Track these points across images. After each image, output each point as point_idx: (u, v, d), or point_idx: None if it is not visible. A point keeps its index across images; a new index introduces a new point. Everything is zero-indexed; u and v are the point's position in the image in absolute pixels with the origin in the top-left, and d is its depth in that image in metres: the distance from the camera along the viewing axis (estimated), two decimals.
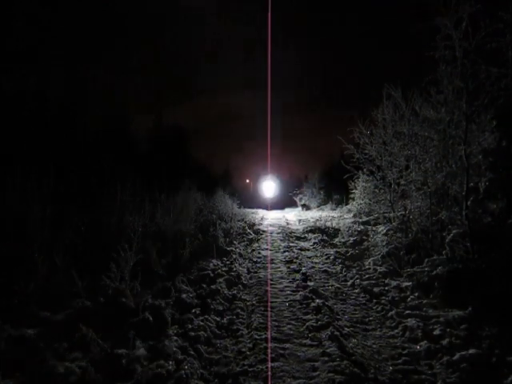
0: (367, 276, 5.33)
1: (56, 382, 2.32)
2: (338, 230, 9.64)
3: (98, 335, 2.93)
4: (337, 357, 2.88)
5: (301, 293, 4.54)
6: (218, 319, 3.68)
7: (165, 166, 18.50)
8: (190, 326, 3.35)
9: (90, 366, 2.46)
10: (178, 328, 3.32)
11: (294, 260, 6.53)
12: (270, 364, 2.82)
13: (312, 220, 12.93)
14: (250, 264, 6.29)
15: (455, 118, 4.87)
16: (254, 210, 17.32)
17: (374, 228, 7.47)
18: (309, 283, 4.93)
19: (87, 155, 13.24)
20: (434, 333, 3.28)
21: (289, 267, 6.05)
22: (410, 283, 4.55)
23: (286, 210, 20.30)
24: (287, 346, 3.15)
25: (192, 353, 2.89)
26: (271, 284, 5.08)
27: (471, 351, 2.86)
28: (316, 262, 6.55)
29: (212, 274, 5.04)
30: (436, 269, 4.40)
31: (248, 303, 4.28)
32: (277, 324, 3.63)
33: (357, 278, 5.22)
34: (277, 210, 19.88)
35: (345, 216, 10.60)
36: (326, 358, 2.88)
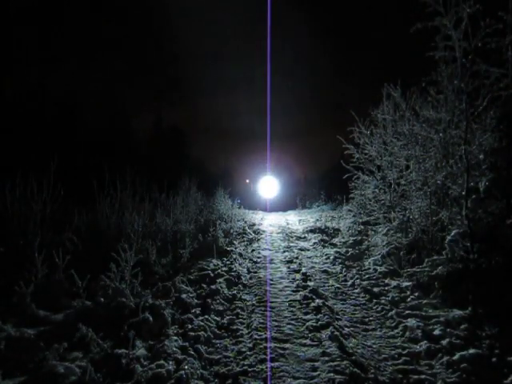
0: (367, 276, 5.33)
1: (56, 382, 2.33)
2: (338, 229, 9.63)
3: (98, 335, 2.93)
4: (337, 357, 2.88)
5: (301, 293, 4.54)
6: (218, 319, 3.68)
7: (165, 165, 18.52)
8: (189, 326, 3.35)
9: (89, 366, 2.46)
10: (177, 328, 3.33)
11: (294, 260, 6.53)
12: (269, 364, 2.82)
13: (312, 220, 12.93)
14: (250, 264, 6.29)
15: (455, 118, 4.88)
16: (254, 211, 17.31)
17: (373, 228, 7.47)
18: (309, 283, 4.93)
19: (87, 155, 13.26)
20: (434, 333, 3.29)
21: (289, 267, 6.05)
22: (410, 283, 4.55)
23: (287, 211, 20.11)
24: (287, 345, 3.15)
25: (192, 353, 2.89)
26: (271, 284, 5.08)
27: (471, 351, 2.86)
28: (316, 262, 6.55)
29: (212, 274, 5.04)
30: (436, 269, 4.40)
31: (248, 303, 4.28)
32: (277, 324, 3.63)
33: (357, 278, 5.22)
34: (277, 211, 19.77)
35: (345, 216, 10.60)
36: (326, 358, 2.88)
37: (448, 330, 3.28)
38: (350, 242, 7.73)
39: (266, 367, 2.77)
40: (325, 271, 5.89)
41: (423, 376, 2.67)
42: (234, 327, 3.55)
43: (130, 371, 2.53)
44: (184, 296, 3.97)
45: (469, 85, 4.43)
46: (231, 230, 8.75)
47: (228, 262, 5.97)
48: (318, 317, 3.70)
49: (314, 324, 3.55)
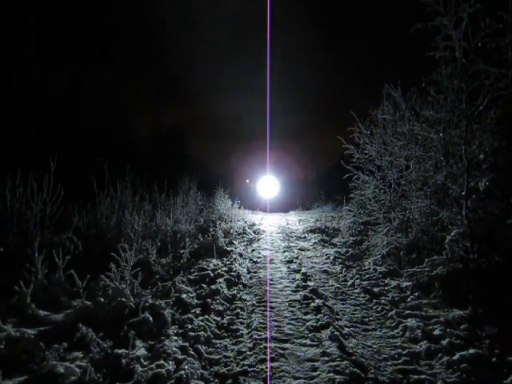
0: (367, 276, 5.33)
1: (56, 382, 2.33)
2: (338, 230, 9.64)
3: (98, 335, 2.94)
4: (337, 357, 2.88)
5: (301, 293, 4.54)
6: (217, 319, 3.68)
7: (165, 165, 18.52)
8: (189, 326, 3.35)
9: (90, 366, 2.46)
10: (177, 328, 3.33)
11: (294, 260, 6.53)
12: (269, 364, 2.82)
13: (312, 220, 12.93)
14: (249, 264, 6.29)
15: (455, 118, 4.87)
16: (253, 211, 17.31)
17: (374, 228, 7.47)
18: (309, 283, 4.93)
19: (87, 155, 13.25)
20: (434, 333, 3.29)
21: (289, 267, 6.05)
22: (410, 283, 4.56)
23: (288, 211, 19.93)
24: (287, 345, 3.15)
25: (192, 353, 2.89)
26: (271, 284, 5.08)
27: (471, 351, 2.86)
28: (316, 262, 6.55)
29: (212, 274, 5.04)
30: (436, 269, 4.40)
31: (248, 303, 4.28)
32: (277, 324, 3.63)
33: (357, 278, 5.22)
34: (277, 212, 19.67)
35: (345, 216, 10.60)
36: (326, 358, 2.88)
37: (448, 330, 3.28)
38: (350, 242, 7.74)
39: (266, 367, 2.77)
40: (325, 271, 5.89)
41: (423, 376, 2.67)
42: (234, 327, 3.55)
43: (129, 371, 2.53)
44: (184, 296, 3.97)
45: (469, 85, 4.43)
46: (231, 230, 8.75)
47: (228, 262, 5.96)
48: (318, 317, 3.70)
49: (314, 324, 3.55)
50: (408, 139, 6.42)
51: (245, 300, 4.39)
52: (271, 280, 5.28)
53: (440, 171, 5.27)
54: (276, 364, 2.82)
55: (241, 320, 3.75)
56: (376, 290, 4.65)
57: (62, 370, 2.39)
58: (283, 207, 21.44)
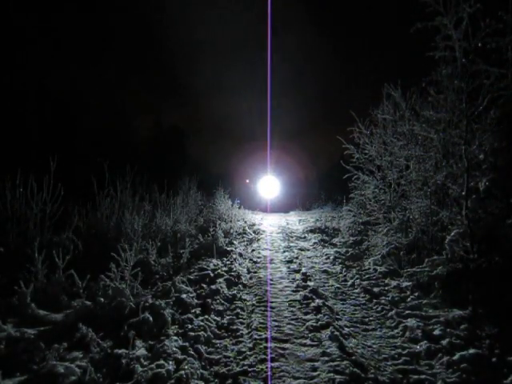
0: (367, 276, 5.33)
1: (56, 382, 2.33)
2: (338, 229, 9.64)
3: (98, 335, 2.94)
4: (337, 357, 2.88)
5: (301, 293, 4.55)
6: (218, 319, 3.68)
7: (165, 166, 18.53)
8: (189, 326, 3.35)
9: (90, 366, 2.46)
10: (177, 328, 3.33)
11: (294, 260, 6.53)
12: (269, 364, 2.82)
13: (312, 220, 12.93)
14: (249, 264, 6.29)
15: (455, 118, 4.87)
16: (253, 211, 17.30)
17: (374, 228, 7.46)
18: (309, 283, 4.93)
19: (87, 155, 13.26)
20: (434, 333, 3.29)
21: (289, 267, 6.05)
22: (410, 283, 4.56)
23: (289, 211, 19.82)
24: (287, 345, 3.15)
25: (192, 353, 2.89)
26: (271, 284, 5.08)
27: (471, 351, 2.86)
28: (316, 262, 6.55)
29: (212, 274, 5.04)
30: (436, 269, 4.40)
31: (248, 303, 4.28)
32: (277, 324, 3.63)
33: (357, 278, 5.22)
34: (278, 212, 19.61)
35: (345, 216, 10.60)
36: (326, 358, 2.88)
37: (448, 330, 3.28)
38: (350, 242, 7.73)
39: (266, 367, 2.77)
40: (325, 271, 5.89)
41: (423, 376, 2.67)
42: (234, 327, 3.55)
43: (129, 371, 2.53)
44: (184, 296, 3.97)
45: (469, 85, 4.43)
46: (231, 230, 8.75)
47: (228, 262, 5.97)
48: (318, 317, 3.70)
49: (314, 324, 3.55)
50: (408, 139, 6.41)
51: (245, 300, 4.39)
52: (271, 280, 5.28)
53: (440, 171, 5.26)
54: (276, 364, 2.83)
55: (241, 320, 3.75)
56: (376, 289, 4.65)
57: (62, 370, 2.39)
58: (283, 207, 21.37)
